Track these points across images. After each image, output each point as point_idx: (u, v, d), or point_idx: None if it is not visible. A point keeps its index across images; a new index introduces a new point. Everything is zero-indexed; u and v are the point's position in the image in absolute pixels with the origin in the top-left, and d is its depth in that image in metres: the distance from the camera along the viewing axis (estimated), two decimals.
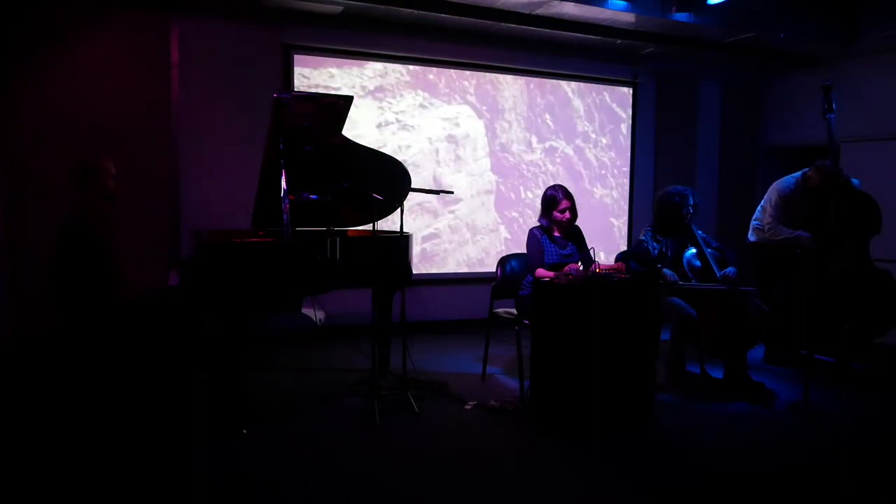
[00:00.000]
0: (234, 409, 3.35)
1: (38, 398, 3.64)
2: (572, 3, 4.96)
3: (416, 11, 5.04)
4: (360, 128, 5.44)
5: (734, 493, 2.80)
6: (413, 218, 5.66)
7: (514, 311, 4.13)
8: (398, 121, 5.65)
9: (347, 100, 3.54)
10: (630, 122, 6.57)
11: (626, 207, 6.64)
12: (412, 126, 5.69)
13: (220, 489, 2.68)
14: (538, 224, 4.03)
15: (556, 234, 4.00)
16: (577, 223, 4.05)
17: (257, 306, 3.33)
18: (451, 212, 5.91)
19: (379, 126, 5.57)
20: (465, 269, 5.94)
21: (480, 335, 4.62)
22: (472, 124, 5.92)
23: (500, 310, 4.22)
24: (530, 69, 6.03)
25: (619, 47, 6.09)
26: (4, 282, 4.54)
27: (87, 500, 2.60)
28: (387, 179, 3.86)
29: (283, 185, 3.42)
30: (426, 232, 5.82)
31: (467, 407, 3.74)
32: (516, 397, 3.87)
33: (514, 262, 4.36)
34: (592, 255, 3.89)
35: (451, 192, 5.00)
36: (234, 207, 4.30)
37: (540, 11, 5.18)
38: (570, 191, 4.00)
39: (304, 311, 4.91)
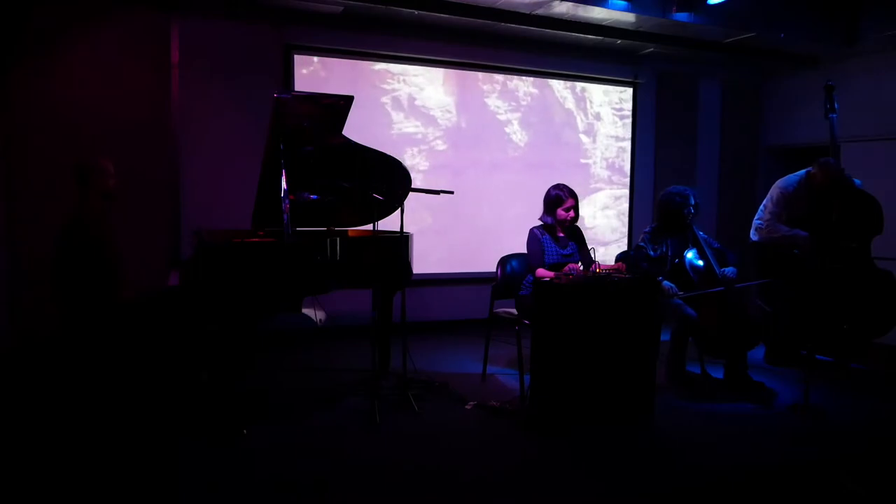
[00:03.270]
0: (234, 409, 3.35)
1: (39, 398, 3.64)
2: (572, 3, 4.96)
3: (416, 11, 5.04)
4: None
5: (734, 493, 2.80)
6: None
7: (514, 311, 4.13)
8: None
9: (347, 100, 3.54)
10: (630, 121, 6.57)
11: (626, 207, 6.63)
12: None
13: (220, 489, 2.68)
14: (539, 223, 4.03)
15: (560, 234, 4.00)
16: (577, 223, 4.05)
17: (257, 306, 3.33)
18: None
19: None
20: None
21: (480, 335, 4.62)
22: None
23: (500, 310, 4.22)
24: (530, 69, 6.02)
25: (619, 47, 6.09)
26: (4, 282, 4.53)
27: (87, 501, 2.60)
28: (387, 179, 3.86)
29: (284, 185, 3.42)
30: None
31: (467, 407, 3.74)
32: (516, 397, 3.87)
33: (514, 262, 4.35)
34: (593, 256, 3.89)
35: (451, 193, 5.01)
36: (234, 207, 4.29)
37: (540, 11, 5.18)
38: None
39: (304, 311, 4.91)
